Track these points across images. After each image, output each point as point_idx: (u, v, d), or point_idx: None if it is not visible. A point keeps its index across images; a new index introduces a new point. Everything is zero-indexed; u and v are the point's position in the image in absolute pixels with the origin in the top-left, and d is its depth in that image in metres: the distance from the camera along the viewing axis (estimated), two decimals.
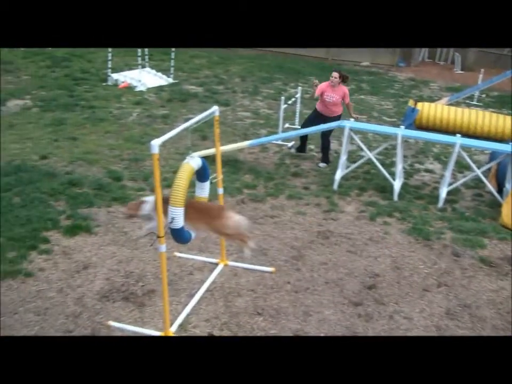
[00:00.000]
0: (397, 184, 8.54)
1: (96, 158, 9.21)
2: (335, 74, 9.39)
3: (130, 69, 15.91)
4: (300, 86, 13.36)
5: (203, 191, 5.37)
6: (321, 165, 9.81)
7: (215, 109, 5.32)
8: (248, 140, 10.36)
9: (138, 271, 6.12)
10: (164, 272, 4.78)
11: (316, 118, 9.70)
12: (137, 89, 14.06)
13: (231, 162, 9.19)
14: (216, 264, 6.27)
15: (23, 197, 7.62)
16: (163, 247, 4.62)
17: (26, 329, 5.10)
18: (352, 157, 9.93)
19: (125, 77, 14.66)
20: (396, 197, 8.44)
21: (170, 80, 15.01)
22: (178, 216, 4.66)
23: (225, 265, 6.28)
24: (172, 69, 15.28)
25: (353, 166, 9.05)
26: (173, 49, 15.37)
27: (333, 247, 6.91)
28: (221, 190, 5.86)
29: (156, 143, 4.20)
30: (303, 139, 10.14)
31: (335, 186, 8.64)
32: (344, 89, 9.58)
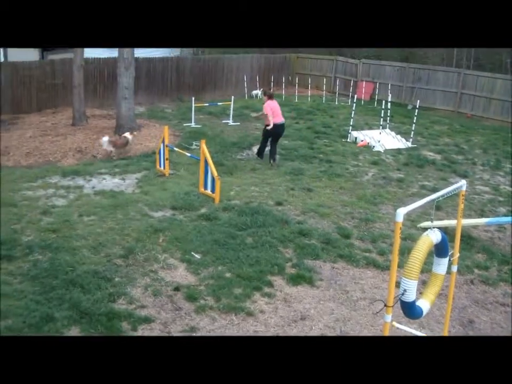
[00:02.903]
0: None
1: (328, 212, 9.41)
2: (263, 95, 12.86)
3: (370, 128, 16.15)
4: None
5: (440, 267, 5.14)
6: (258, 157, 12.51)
7: (462, 183, 5.10)
8: (484, 216, 9.81)
9: (354, 333, 6.03)
10: None
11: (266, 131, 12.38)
12: (375, 149, 14.17)
13: (463, 238, 8.71)
14: None
15: (256, 238, 8.04)
16: (389, 317, 4.49)
17: None
18: None
19: (364, 136, 14.89)
20: None
21: (409, 144, 14.88)
22: (411, 289, 4.50)
23: None
24: (412, 133, 15.15)
25: None
26: (416, 113, 15.27)
27: None
28: (455, 268, 5.57)
29: (401, 211, 4.11)
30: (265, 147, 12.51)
31: None
32: (265, 103, 12.23)
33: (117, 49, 14.19)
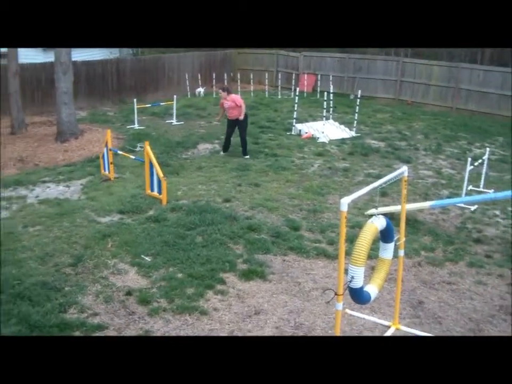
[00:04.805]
0: None
1: (276, 206, 9.47)
2: (220, 91, 12.89)
3: (314, 120, 16.30)
4: (487, 146, 12.75)
5: (387, 252, 5.26)
6: (246, 157, 12.58)
7: (404, 169, 5.22)
8: (429, 199, 10.04)
9: (308, 323, 6.09)
10: (337, 330, 4.71)
11: (229, 122, 12.68)
12: (320, 140, 14.32)
13: (409, 222, 8.90)
14: (388, 327, 6.06)
15: (205, 237, 8.03)
16: (340, 305, 4.57)
17: None
18: None
19: (308, 128, 15.03)
20: None
21: (353, 134, 15.09)
22: (358, 275, 4.59)
23: (397, 329, 6.03)
24: (355, 122, 15.37)
25: None
26: (357, 102, 15.49)
27: None
28: (402, 252, 5.69)
29: (345, 201, 4.18)
30: (228, 141, 12.88)
31: None
32: (233, 97, 12.50)
33: (53, 53, 13.87)
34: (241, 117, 12.35)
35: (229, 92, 12.58)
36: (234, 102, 12.32)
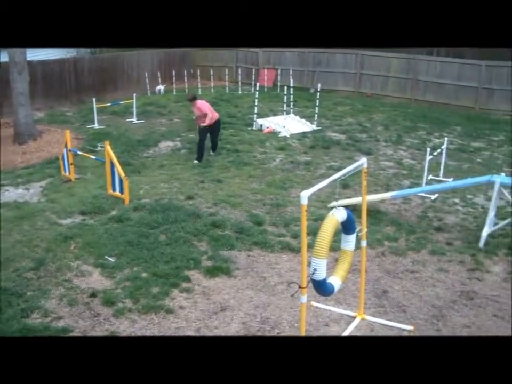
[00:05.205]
0: None
1: (239, 201, 9.47)
2: (188, 101, 12.69)
3: (274, 114, 16.33)
4: (445, 136, 12.95)
5: (348, 243, 5.31)
6: (211, 154, 12.49)
7: (363, 161, 5.27)
8: (390, 190, 10.17)
9: (275, 317, 6.12)
10: (302, 323, 4.74)
11: (202, 129, 12.04)
12: (281, 134, 14.36)
13: (372, 213, 9.00)
14: (354, 318, 6.12)
15: (169, 235, 7.99)
16: (304, 298, 4.60)
17: None
18: (501, 213, 9.33)
19: (269, 122, 15.05)
20: None
21: (314, 127, 15.16)
22: (321, 268, 4.62)
23: (363, 319, 6.11)
24: (316, 115, 15.44)
25: (503, 223, 8.50)
26: (318, 96, 15.57)
27: (478, 310, 6.48)
28: (364, 243, 5.75)
29: (305, 194, 4.20)
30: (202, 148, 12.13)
31: (481, 243, 8.13)
32: (198, 105, 12.00)
33: (7, 53, 13.57)
34: (205, 123, 11.88)
35: (194, 100, 12.12)
36: (199, 110, 11.96)
